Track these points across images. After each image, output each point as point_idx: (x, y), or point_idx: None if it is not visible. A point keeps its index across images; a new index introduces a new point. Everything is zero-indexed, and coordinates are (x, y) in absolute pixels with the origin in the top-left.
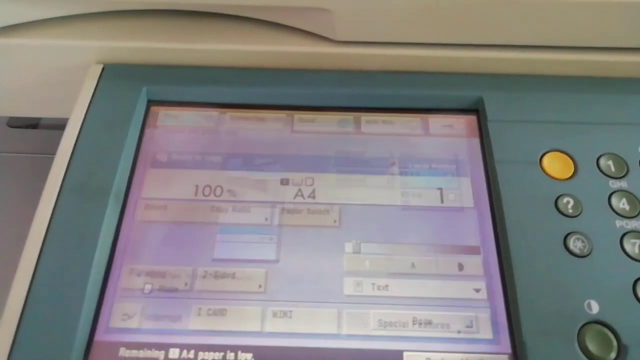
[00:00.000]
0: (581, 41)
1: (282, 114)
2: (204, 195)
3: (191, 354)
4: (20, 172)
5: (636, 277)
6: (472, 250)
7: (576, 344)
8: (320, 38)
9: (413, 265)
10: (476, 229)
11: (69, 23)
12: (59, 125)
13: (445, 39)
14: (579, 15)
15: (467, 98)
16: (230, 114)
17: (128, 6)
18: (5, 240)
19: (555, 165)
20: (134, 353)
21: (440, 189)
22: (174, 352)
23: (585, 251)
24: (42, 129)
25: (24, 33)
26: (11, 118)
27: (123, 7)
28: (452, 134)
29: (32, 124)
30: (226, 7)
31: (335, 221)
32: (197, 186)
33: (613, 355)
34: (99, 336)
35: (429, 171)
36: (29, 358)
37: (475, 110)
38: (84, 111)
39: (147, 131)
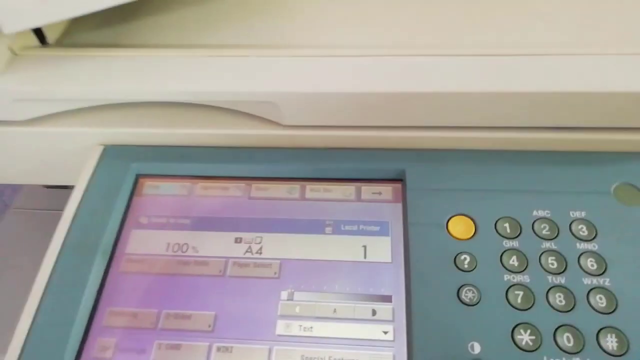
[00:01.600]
0: (487, 122)
1: (241, 184)
2: (172, 251)
3: None
4: (53, 227)
5: (515, 323)
6: (385, 299)
7: None
8: (271, 122)
9: (335, 310)
10: (390, 281)
11: (77, 114)
12: None
13: (373, 122)
14: (484, 104)
15: (393, 170)
16: (200, 184)
17: (121, 101)
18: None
19: (459, 227)
20: None
21: (365, 246)
22: None
23: (474, 300)
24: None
25: (44, 122)
26: None
27: (118, 101)
28: (380, 199)
29: (64, 185)
30: (199, 100)
31: (275, 273)
32: (168, 244)
33: None
34: None
35: (357, 231)
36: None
37: (400, 179)
38: (86, 183)
39: (134, 199)
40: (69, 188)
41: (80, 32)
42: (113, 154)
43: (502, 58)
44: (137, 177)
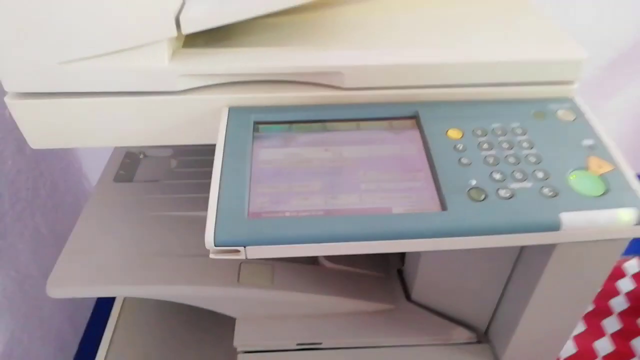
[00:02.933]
0: (455, 82)
1: (318, 124)
2: (282, 157)
3: None
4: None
5: (490, 172)
6: (418, 170)
7: None
8: (335, 87)
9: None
10: (421, 162)
11: (212, 88)
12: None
13: (397, 83)
14: (455, 71)
15: (411, 111)
16: (293, 125)
17: (240, 78)
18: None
19: (452, 133)
20: None
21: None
22: None
23: (465, 163)
24: (136, 182)
25: (192, 92)
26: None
27: (238, 79)
28: (404, 127)
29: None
30: (291, 72)
31: (346, 161)
32: (280, 153)
33: None
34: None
35: (394, 140)
36: (227, 211)
37: (415, 117)
38: (225, 124)
39: (255, 134)
40: (134, 182)
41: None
42: (237, 110)
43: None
44: (255, 123)
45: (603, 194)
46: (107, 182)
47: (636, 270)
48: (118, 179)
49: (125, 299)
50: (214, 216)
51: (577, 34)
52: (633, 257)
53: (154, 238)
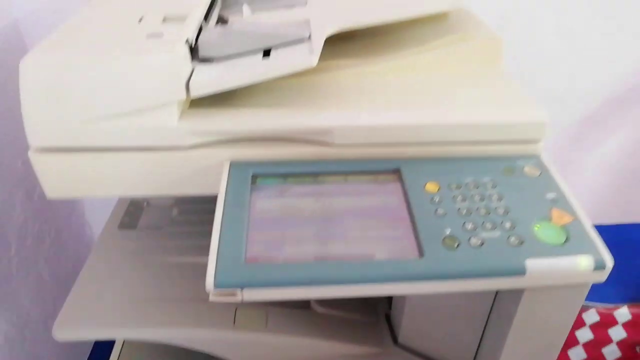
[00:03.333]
0: (434, 140)
1: (310, 177)
2: (278, 208)
3: None
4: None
5: (462, 223)
6: (398, 212)
7: None
8: (326, 143)
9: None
10: (400, 210)
11: (215, 144)
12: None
13: (381, 141)
14: (432, 131)
15: (394, 167)
16: (287, 177)
17: (241, 136)
18: None
19: (430, 187)
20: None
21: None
22: None
23: (441, 213)
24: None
25: (198, 148)
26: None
27: (239, 136)
28: (388, 180)
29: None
30: (284, 133)
31: (333, 212)
32: (275, 205)
33: None
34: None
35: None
36: (226, 256)
37: (398, 170)
38: (227, 177)
39: (252, 186)
40: (138, 229)
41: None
42: (238, 164)
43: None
44: (253, 176)
45: (564, 242)
46: (112, 229)
47: (627, 319)
48: (122, 226)
49: (123, 344)
50: (215, 260)
51: (554, 92)
52: (623, 305)
53: (156, 283)
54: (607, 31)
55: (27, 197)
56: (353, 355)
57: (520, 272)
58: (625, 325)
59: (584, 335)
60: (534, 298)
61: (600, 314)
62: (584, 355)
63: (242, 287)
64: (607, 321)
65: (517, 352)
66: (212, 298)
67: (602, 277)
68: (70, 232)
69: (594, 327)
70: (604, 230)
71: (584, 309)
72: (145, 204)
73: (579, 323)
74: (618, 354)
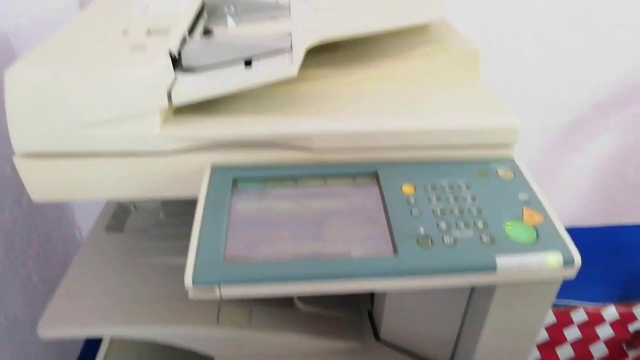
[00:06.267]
0: (409, 144)
1: (291, 181)
2: (256, 210)
3: None
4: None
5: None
6: (376, 215)
7: None
8: (306, 148)
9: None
10: (377, 211)
11: (198, 150)
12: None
13: (358, 145)
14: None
15: (372, 170)
16: (267, 182)
17: (223, 140)
18: None
19: (406, 188)
20: None
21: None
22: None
23: (415, 214)
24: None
25: (180, 153)
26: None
27: (222, 141)
28: (366, 182)
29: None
30: (265, 138)
31: (313, 213)
32: (253, 208)
33: None
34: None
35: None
36: (205, 254)
37: (376, 173)
38: (207, 180)
39: (233, 189)
40: (125, 232)
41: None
42: (219, 169)
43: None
44: (234, 179)
45: (535, 241)
46: (99, 232)
47: (614, 318)
48: (109, 229)
49: (110, 345)
50: (194, 258)
51: (538, 100)
52: (610, 304)
53: (141, 283)
54: (585, 39)
55: (15, 202)
56: (336, 350)
57: (491, 268)
58: (613, 324)
59: (572, 333)
60: (507, 294)
61: (588, 313)
62: (572, 354)
63: (220, 284)
64: (595, 320)
65: (492, 346)
66: (191, 295)
67: (571, 273)
68: (59, 235)
69: (582, 326)
70: (591, 232)
71: (572, 308)
72: (132, 207)
73: (567, 322)
74: (605, 351)
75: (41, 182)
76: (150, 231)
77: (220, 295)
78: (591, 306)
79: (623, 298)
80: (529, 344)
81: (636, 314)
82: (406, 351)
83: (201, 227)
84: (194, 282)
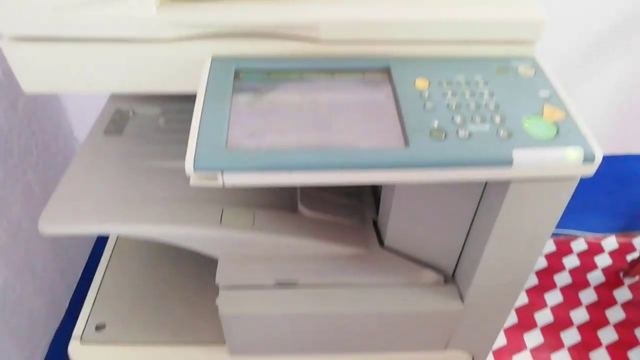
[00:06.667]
0: (422, 38)
1: (297, 74)
2: (255, 98)
3: None
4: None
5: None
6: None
7: None
8: (311, 39)
9: None
10: (389, 104)
11: (198, 39)
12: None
13: (371, 37)
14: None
15: (385, 65)
16: (271, 74)
17: (224, 28)
18: None
19: (420, 83)
20: None
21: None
22: None
23: (429, 108)
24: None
25: (180, 42)
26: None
27: (222, 29)
28: (378, 79)
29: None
30: (268, 25)
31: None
32: (253, 97)
33: None
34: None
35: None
36: (207, 141)
37: (388, 68)
38: (208, 69)
39: (235, 79)
40: (124, 135)
41: None
42: (220, 60)
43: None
44: (236, 71)
45: (554, 136)
46: (97, 135)
47: (614, 248)
48: (108, 132)
49: (113, 250)
50: (195, 144)
51: (555, 20)
52: (611, 235)
53: (142, 185)
54: None
55: (11, 107)
56: (338, 255)
57: (507, 163)
58: (612, 253)
59: (571, 262)
60: (520, 193)
61: (588, 242)
62: (570, 280)
63: (222, 170)
64: (595, 249)
65: (501, 246)
66: (192, 182)
67: (591, 170)
68: (58, 146)
69: (581, 255)
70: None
71: (573, 238)
72: (130, 113)
73: (567, 251)
74: (602, 279)
75: (31, 70)
76: (150, 136)
77: (223, 182)
78: (592, 236)
79: (625, 229)
80: (535, 251)
81: (635, 245)
82: (411, 258)
83: (202, 115)
84: (195, 168)
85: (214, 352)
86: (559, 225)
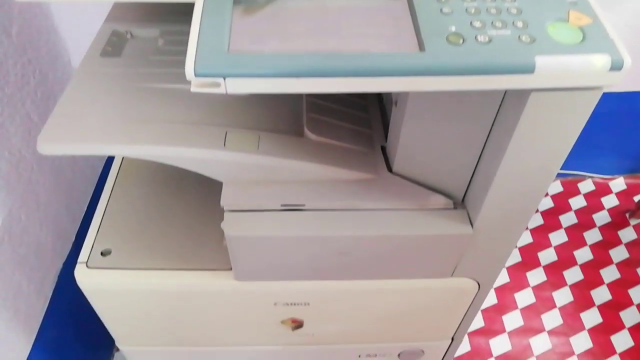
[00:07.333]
0: None
1: None
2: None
3: None
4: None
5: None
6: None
7: None
8: None
9: None
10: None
11: None
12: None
13: None
14: None
15: None
16: None
17: None
18: None
19: None
20: None
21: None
22: None
23: (447, 12)
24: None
25: None
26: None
27: None
28: None
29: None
30: None
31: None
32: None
33: None
34: None
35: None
36: (208, 46)
37: None
38: None
39: None
40: (122, 57)
41: None
42: None
43: None
44: None
45: (580, 42)
46: (94, 57)
47: (621, 189)
48: (105, 54)
49: (117, 177)
50: (195, 49)
51: None
52: (619, 176)
53: (143, 106)
54: None
55: (4, 33)
56: (346, 179)
57: (529, 69)
58: (619, 194)
59: (577, 202)
60: (540, 104)
61: (596, 183)
62: (575, 220)
63: (225, 76)
64: (602, 190)
65: (515, 166)
66: (193, 88)
67: (618, 78)
68: (55, 76)
69: (587, 196)
70: (607, 98)
71: (580, 178)
72: (128, 35)
73: (574, 191)
74: (608, 219)
75: None
76: (149, 58)
77: (226, 88)
78: (600, 178)
79: (634, 170)
80: (550, 174)
81: None
82: (420, 184)
83: (202, 18)
84: (196, 73)
85: (220, 278)
86: (566, 166)
